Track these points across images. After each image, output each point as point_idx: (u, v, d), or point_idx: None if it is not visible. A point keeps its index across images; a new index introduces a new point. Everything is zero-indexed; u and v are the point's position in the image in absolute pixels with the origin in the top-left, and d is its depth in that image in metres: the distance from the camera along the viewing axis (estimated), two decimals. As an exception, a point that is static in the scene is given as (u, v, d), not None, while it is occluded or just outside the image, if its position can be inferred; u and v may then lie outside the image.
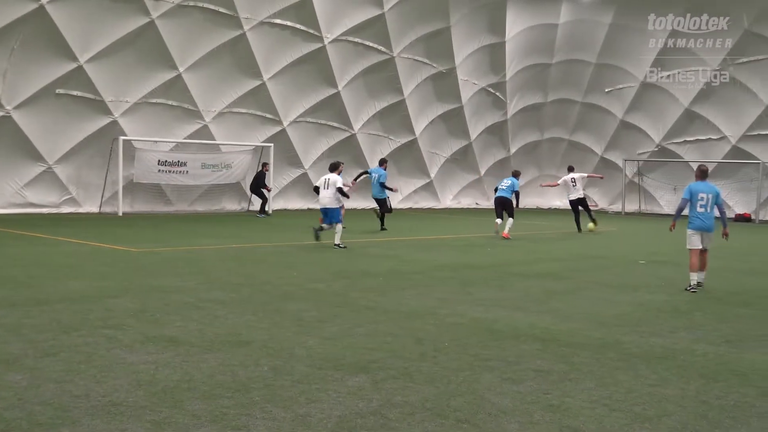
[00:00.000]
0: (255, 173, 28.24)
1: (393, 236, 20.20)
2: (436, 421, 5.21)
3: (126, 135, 25.49)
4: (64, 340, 7.19)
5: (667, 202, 35.82)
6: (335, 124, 31.39)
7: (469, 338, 7.86)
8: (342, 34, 29.31)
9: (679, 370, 6.79)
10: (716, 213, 12.35)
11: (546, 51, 36.06)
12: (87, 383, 5.79)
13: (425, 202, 36.39)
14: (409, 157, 34.44)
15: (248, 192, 29.26)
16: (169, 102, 26.46)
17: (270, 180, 28.25)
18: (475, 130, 36.57)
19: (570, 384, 6.23)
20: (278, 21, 27.40)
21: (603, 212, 35.32)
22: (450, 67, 33.67)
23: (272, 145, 29.06)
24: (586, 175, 26.09)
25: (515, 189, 21.57)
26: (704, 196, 12.11)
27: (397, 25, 30.59)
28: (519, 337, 8.00)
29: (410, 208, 34.41)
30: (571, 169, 25.01)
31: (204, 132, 27.73)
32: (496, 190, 22.17)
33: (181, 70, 25.92)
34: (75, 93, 24.21)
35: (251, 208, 29.52)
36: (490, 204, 38.17)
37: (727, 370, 6.90)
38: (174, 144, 27.31)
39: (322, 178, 17.56)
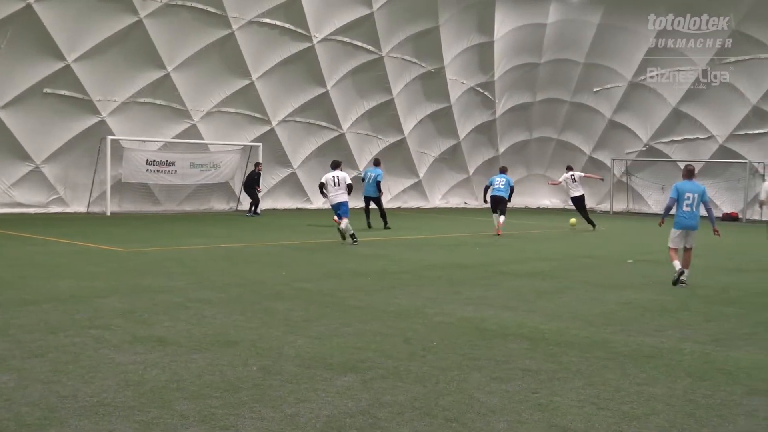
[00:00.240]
0: (248, 172, 28.13)
1: (382, 236, 20.21)
2: (425, 420, 5.22)
3: (114, 134, 25.41)
4: (52, 340, 7.16)
5: (655, 202, 35.95)
6: (324, 124, 31.37)
7: (457, 337, 7.87)
8: (331, 34, 29.30)
9: (666, 369, 6.83)
10: (703, 212, 12.54)
11: (534, 51, 36.14)
12: (75, 384, 5.77)
13: (414, 202, 36.41)
14: (397, 156, 34.43)
15: (237, 192, 29.19)
16: (158, 101, 26.37)
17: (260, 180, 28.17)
18: (463, 129, 36.61)
19: (558, 383, 6.25)
20: (267, 20, 27.36)
21: (591, 211, 35.33)
22: (439, 66, 33.70)
23: (261, 144, 29.02)
24: (583, 174, 26.34)
25: (511, 185, 22.08)
26: (690, 195, 12.43)
27: (386, 24, 30.60)
28: (507, 336, 8.02)
29: (399, 208, 34.40)
30: (569, 168, 25.68)
31: (192, 131, 27.66)
32: (486, 188, 22.26)
33: (169, 69, 25.84)
34: (63, 92, 24.11)
35: (240, 207, 29.46)
36: (478, 203, 38.33)
37: (714, 368, 6.93)
38: (162, 143, 27.23)
39: (329, 176, 18.00)
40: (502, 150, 38.67)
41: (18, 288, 10.19)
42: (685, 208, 12.39)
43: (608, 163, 37.00)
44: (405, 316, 8.95)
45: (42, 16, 22.39)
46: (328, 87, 30.37)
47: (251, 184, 27.52)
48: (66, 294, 9.80)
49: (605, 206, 37.55)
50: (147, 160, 26.42)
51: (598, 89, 36.41)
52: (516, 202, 37.06)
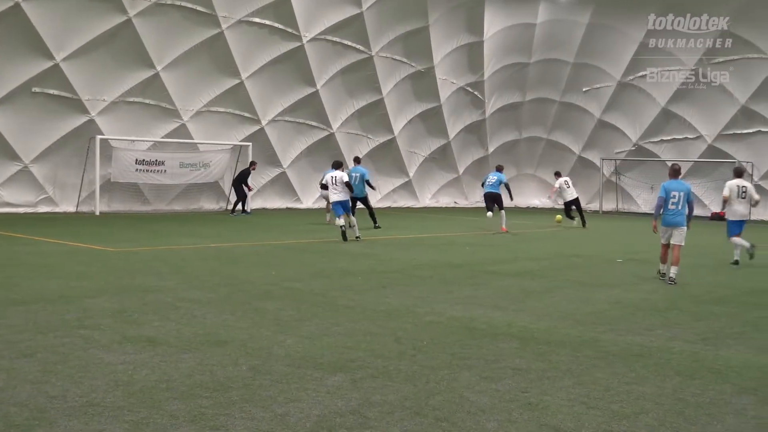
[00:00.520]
0: (241, 169, 28.01)
1: (372, 235, 20.21)
2: (415, 419, 5.22)
3: (103, 134, 25.32)
4: (41, 340, 7.13)
5: (644, 201, 36.09)
6: (314, 123, 31.35)
7: (447, 337, 7.88)
8: (320, 33, 29.28)
9: (656, 368, 6.85)
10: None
11: (524, 50, 36.21)
12: (64, 384, 5.75)
13: (404, 201, 36.42)
14: (387, 156, 34.46)
15: (226, 191, 29.12)
16: (147, 101, 26.30)
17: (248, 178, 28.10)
18: (453, 129, 36.67)
19: (548, 382, 6.26)
20: (256, 20, 27.32)
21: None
22: (428, 66, 33.73)
23: (251, 144, 28.99)
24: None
25: (502, 181, 22.51)
26: (677, 194, 12.93)
27: (376, 24, 30.60)
28: (497, 335, 8.03)
29: (389, 207, 34.41)
30: (558, 174, 26.84)
31: (182, 131, 27.59)
32: (483, 185, 22.90)
33: (158, 68, 25.77)
34: (51, 91, 24.01)
35: (229, 206, 29.36)
36: (468, 203, 38.42)
37: (704, 367, 6.96)
38: (152, 143, 27.16)
39: (329, 176, 18.85)
40: (491, 150, 38.74)
41: (6, 288, 10.13)
42: (670, 206, 12.84)
43: (597, 162, 37.11)
44: (395, 316, 8.95)
45: (30, 15, 22.30)
46: (318, 86, 30.35)
47: (241, 180, 27.39)
48: (55, 294, 9.76)
49: (595, 206, 37.66)
50: (136, 160, 26.33)
51: (587, 89, 36.50)
52: (505, 201, 37.22)
